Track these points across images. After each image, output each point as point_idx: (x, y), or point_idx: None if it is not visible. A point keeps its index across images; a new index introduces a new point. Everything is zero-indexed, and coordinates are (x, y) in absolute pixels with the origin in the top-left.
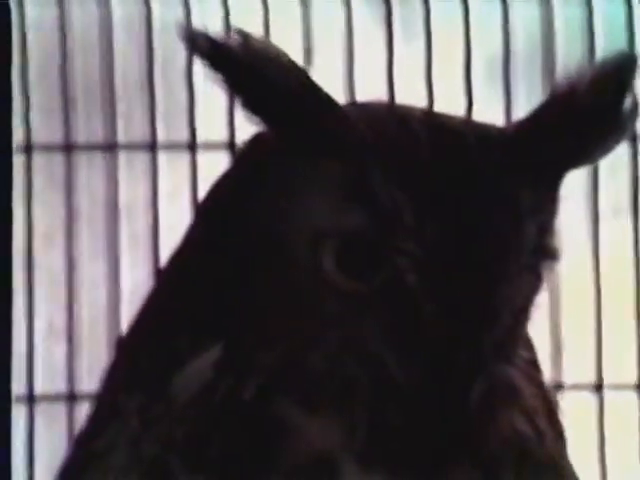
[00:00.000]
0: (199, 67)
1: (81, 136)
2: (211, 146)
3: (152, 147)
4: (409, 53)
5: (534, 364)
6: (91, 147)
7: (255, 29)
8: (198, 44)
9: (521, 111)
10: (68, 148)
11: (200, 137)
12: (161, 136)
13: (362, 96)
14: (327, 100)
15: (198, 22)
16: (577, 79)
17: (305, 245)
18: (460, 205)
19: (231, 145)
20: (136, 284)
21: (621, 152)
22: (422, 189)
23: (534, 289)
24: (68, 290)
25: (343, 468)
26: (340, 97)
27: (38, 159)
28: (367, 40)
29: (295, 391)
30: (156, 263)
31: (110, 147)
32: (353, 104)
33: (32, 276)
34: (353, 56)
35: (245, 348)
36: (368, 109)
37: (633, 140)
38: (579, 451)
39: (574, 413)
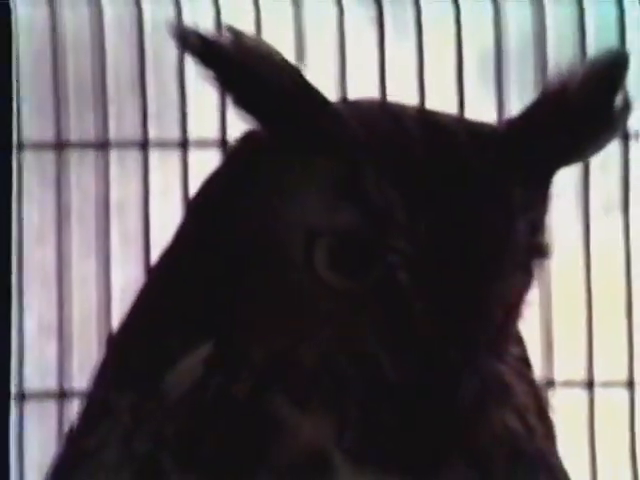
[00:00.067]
0: (190, 65)
1: (73, 134)
2: (203, 144)
3: (144, 145)
4: (401, 52)
5: (525, 361)
6: (83, 145)
7: (247, 29)
8: (189, 41)
9: (513, 110)
10: (60, 146)
11: (192, 135)
12: (153, 134)
13: (354, 96)
14: (319, 98)
15: (189, 21)
16: (569, 77)
17: (297, 243)
18: (452, 203)
19: (223, 143)
20: (127, 282)
21: (612, 149)
22: (414, 187)
23: (525, 286)
24: (59, 288)
25: (336, 465)
26: (332, 97)
27: (30, 157)
28: (359, 40)
29: (288, 388)
30: (147, 261)
31: (102, 145)
32: (345, 102)
33: (23, 274)
34: (345, 56)
35: (237, 345)
36: (360, 107)
37: (624, 137)
38: (570, 448)
39: (565, 410)
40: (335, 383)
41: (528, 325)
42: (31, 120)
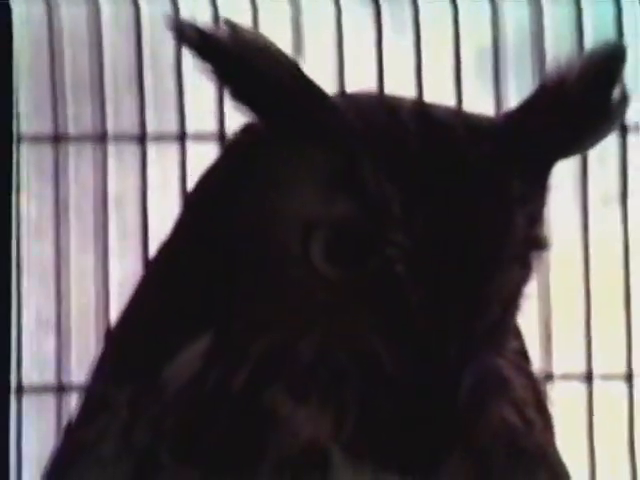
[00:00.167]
0: (188, 58)
1: (71, 127)
2: (200, 137)
3: (141, 138)
4: (399, 51)
5: (523, 354)
6: (81, 138)
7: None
8: (187, 35)
9: (511, 105)
10: (57, 139)
11: (189, 128)
12: (150, 127)
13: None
14: (316, 90)
15: (186, 17)
16: (566, 70)
17: (294, 235)
18: (449, 196)
19: (221, 136)
20: (125, 275)
21: (610, 142)
22: (411, 179)
23: (523, 279)
24: (57, 281)
25: (333, 458)
26: (330, 92)
27: (27, 150)
28: (357, 38)
29: (285, 381)
30: (145, 254)
31: (100, 138)
32: (342, 95)
33: (21, 267)
34: (343, 54)
35: (235, 339)
36: (357, 99)
37: (622, 130)
38: (568, 441)
39: (564, 403)
40: (333, 378)
41: (526, 318)
42: (29, 113)
